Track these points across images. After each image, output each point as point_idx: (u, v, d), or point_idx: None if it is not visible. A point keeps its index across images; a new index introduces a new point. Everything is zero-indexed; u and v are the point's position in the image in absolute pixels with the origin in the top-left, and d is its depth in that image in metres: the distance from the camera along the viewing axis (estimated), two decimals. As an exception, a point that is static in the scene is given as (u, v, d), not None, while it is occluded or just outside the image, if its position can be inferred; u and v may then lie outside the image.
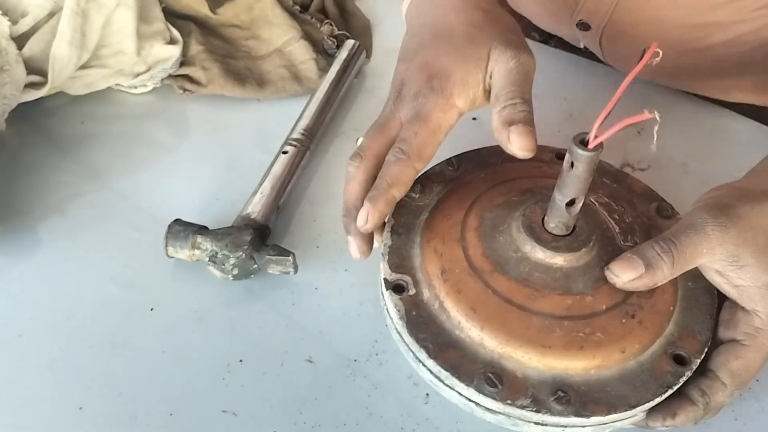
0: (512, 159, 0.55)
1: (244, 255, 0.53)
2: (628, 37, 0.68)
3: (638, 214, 0.50)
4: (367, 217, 0.46)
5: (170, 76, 0.71)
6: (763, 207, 0.45)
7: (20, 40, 0.63)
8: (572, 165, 0.40)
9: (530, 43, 0.80)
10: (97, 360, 0.51)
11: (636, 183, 0.54)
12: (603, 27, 0.68)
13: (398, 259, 0.47)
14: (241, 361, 0.51)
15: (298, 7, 0.79)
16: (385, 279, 0.46)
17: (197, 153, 0.67)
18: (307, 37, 0.75)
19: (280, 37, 0.75)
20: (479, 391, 0.41)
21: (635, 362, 0.43)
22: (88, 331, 0.52)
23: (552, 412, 0.41)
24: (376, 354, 0.51)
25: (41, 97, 0.65)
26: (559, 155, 0.55)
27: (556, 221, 0.44)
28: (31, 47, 0.63)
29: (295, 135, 0.63)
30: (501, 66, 0.48)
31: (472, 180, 0.52)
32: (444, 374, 0.42)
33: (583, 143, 0.39)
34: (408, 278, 0.46)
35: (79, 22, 0.62)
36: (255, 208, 0.57)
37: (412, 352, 0.44)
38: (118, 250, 0.58)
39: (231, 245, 0.53)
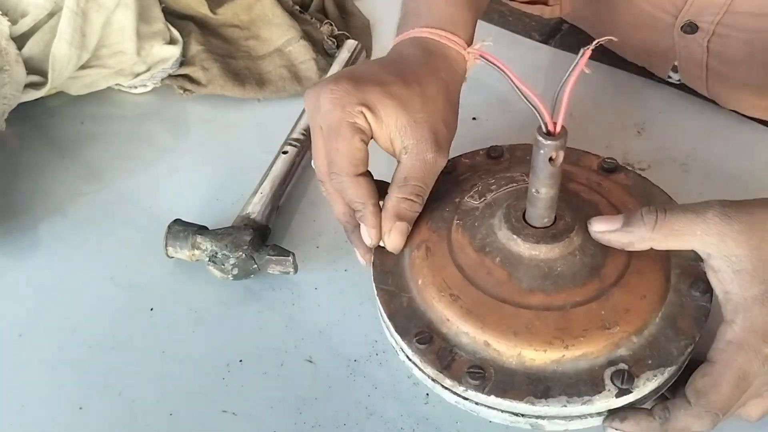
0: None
1: (244, 255, 0.53)
2: (745, 34, 0.64)
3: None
4: (369, 235, 0.48)
5: (170, 76, 0.71)
6: None
7: (20, 40, 0.63)
8: (548, 158, 0.40)
9: (530, 43, 0.81)
10: (97, 360, 0.51)
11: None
12: (716, 24, 0.64)
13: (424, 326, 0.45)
14: (241, 361, 0.51)
15: (298, 7, 0.79)
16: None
17: (197, 153, 0.67)
18: (307, 37, 0.75)
19: (280, 37, 0.75)
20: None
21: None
22: (88, 331, 0.52)
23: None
24: (376, 354, 0.51)
25: (41, 97, 0.65)
26: (491, 155, 0.55)
27: (548, 213, 0.44)
28: (31, 47, 0.63)
29: (295, 135, 0.63)
30: (420, 149, 0.46)
31: (428, 219, 0.49)
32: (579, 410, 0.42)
33: (548, 134, 0.39)
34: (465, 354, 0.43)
35: (79, 22, 0.62)
36: (255, 208, 0.57)
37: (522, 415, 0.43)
38: (118, 250, 0.58)
39: (231, 245, 0.53)
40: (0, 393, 0.49)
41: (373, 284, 0.48)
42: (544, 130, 0.39)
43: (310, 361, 0.51)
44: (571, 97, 0.37)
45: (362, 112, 0.46)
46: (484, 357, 0.43)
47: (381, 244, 0.49)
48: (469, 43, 0.52)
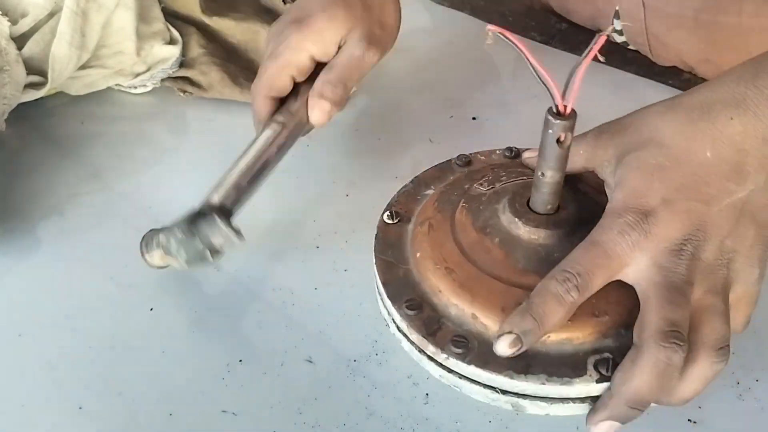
0: (448, 180, 0.54)
1: (180, 233, 0.50)
2: None
3: None
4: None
5: (170, 78, 0.71)
6: (662, 105, 0.44)
7: (20, 40, 0.63)
8: (557, 140, 0.41)
9: (530, 43, 0.81)
10: (97, 360, 0.51)
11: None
12: None
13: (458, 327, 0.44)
14: (241, 361, 0.51)
15: (297, 8, 0.79)
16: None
17: (197, 153, 0.67)
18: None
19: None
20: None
21: None
22: (88, 331, 0.52)
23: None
24: (376, 354, 0.51)
25: (41, 97, 0.65)
26: (506, 154, 0.56)
27: (553, 198, 0.45)
28: (31, 47, 0.63)
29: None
30: (352, 48, 0.55)
31: (435, 200, 0.51)
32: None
33: (558, 114, 0.40)
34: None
35: (79, 22, 0.62)
36: (213, 191, 0.53)
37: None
38: (118, 250, 0.58)
39: (173, 228, 0.51)
40: (0, 393, 0.49)
41: (373, 254, 0.49)
42: (554, 110, 0.40)
43: (310, 361, 0.51)
44: (582, 81, 0.38)
45: (306, 49, 0.55)
46: (470, 329, 0.43)
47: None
48: None
